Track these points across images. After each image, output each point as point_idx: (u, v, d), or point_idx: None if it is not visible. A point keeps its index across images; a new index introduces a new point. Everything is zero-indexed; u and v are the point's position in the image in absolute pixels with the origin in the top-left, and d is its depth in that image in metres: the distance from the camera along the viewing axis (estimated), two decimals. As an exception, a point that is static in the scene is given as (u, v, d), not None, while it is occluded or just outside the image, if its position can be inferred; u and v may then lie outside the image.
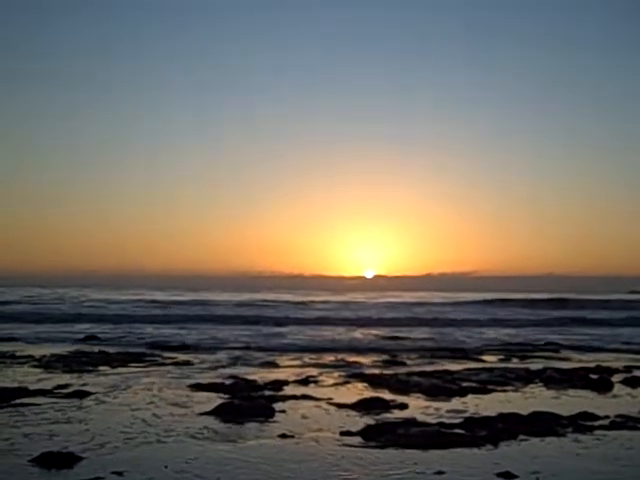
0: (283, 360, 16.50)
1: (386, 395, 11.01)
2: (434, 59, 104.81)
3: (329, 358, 16.94)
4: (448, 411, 9.77)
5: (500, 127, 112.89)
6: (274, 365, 15.58)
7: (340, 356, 17.43)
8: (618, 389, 12.44)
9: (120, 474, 6.24)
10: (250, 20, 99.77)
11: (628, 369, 15.16)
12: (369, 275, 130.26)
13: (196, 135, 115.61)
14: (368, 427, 8.29)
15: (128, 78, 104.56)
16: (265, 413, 9.33)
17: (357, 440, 7.80)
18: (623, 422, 9.02)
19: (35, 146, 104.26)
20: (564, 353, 19.47)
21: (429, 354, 18.33)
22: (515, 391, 12.00)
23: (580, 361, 17.13)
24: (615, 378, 13.56)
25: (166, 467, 6.58)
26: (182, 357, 16.65)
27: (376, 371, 14.30)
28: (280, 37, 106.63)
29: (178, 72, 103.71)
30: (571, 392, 11.98)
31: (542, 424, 8.67)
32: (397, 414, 9.52)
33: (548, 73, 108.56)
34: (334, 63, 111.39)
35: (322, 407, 10.07)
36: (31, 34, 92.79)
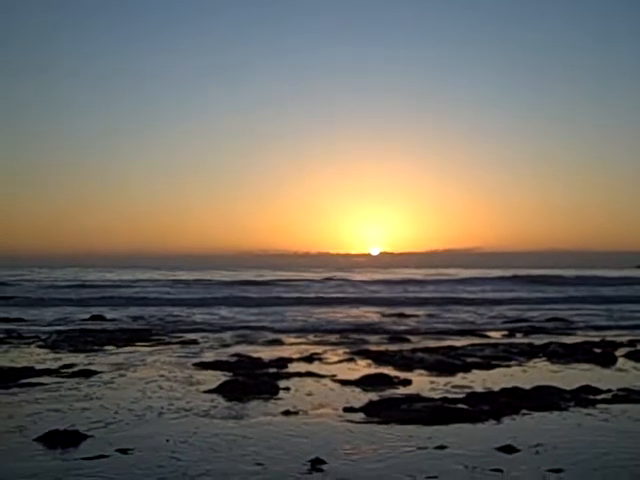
0: (288, 339, 16.56)
1: (390, 371, 11.07)
2: (442, 38, 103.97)
3: (334, 336, 16.98)
4: (451, 386, 9.82)
5: (504, 106, 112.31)
6: (279, 343, 15.65)
7: (344, 334, 17.48)
8: (622, 363, 12.47)
9: (125, 451, 6.30)
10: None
11: (632, 343, 15.19)
12: (375, 252, 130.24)
13: (204, 116, 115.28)
14: (371, 403, 8.33)
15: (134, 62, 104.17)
16: (269, 390, 9.39)
17: (360, 416, 7.85)
18: (625, 395, 9.05)
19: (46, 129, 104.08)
20: (569, 328, 19.51)
21: (434, 331, 18.41)
22: (519, 366, 12.05)
23: (585, 336, 17.16)
24: (619, 352, 13.58)
25: (168, 441, 6.68)
26: (188, 336, 16.72)
27: (380, 348, 14.34)
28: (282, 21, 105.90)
29: (184, 54, 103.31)
30: (574, 366, 12.02)
31: (544, 398, 8.70)
32: (401, 390, 9.57)
33: (552, 48, 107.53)
34: (342, 39, 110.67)
35: (326, 384, 10.13)
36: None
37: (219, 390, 9.39)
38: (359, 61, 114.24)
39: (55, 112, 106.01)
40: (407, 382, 10.19)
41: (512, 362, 12.38)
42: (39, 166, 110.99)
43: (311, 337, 16.88)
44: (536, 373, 11.24)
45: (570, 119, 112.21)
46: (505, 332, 18.25)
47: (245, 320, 21.75)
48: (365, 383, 10.01)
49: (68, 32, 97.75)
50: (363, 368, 11.66)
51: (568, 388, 9.34)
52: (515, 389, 9.16)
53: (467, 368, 11.51)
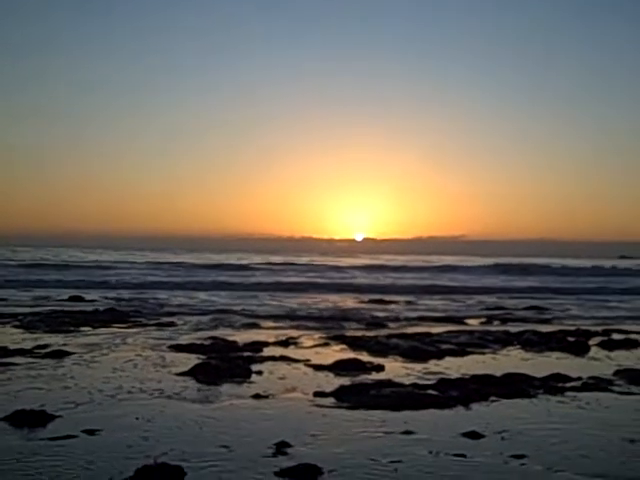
0: (265, 323, 16.57)
1: (364, 357, 11.12)
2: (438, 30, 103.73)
3: (311, 322, 17.00)
4: (424, 373, 9.88)
5: (491, 91, 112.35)
6: (256, 327, 15.67)
7: (322, 319, 17.52)
8: (594, 352, 12.59)
9: (92, 432, 6.30)
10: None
11: (606, 332, 15.32)
12: (359, 238, 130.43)
13: (193, 99, 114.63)
14: (342, 388, 8.37)
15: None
16: (241, 374, 9.41)
17: (330, 401, 7.89)
18: (595, 384, 9.15)
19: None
20: (546, 317, 19.66)
21: (411, 317, 18.50)
22: (492, 353, 12.14)
23: (560, 325, 17.30)
24: (592, 341, 13.71)
25: (137, 419, 6.80)
26: (166, 319, 16.69)
27: (357, 334, 14.39)
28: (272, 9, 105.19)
29: (182, 36, 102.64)
30: (547, 354, 12.13)
31: (514, 385, 8.77)
32: (373, 376, 9.61)
33: (540, 34, 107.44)
34: (331, 26, 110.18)
35: (299, 368, 10.16)
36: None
37: (191, 372, 9.40)
38: (350, 48, 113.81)
39: (50, 91, 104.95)
40: (380, 368, 10.23)
41: (486, 350, 12.46)
42: (29, 147, 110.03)
43: (288, 322, 16.88)
44: (508, 361, 11.33)
45: (560, 107, 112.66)
46: (482, 320, 18.36)
47: (224, 303, 21.75)
48: (338, 368, 10.05)
49: (66, 10, 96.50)
50: (338, 353, 11.70)
51: (539, 376, 9.43)
52: (486, 376, 9.24)
53: (441, 355, 11.57)
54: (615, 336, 14.64)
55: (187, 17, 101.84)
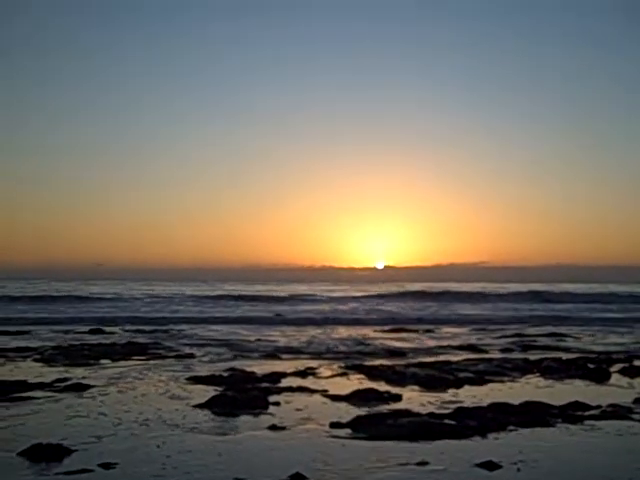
0: (285, 354, 16.55)
1: (381, 387, 11.08)
2: (441, 52, 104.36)
3: (331, 352, 16.97)
4: (441, 402, 9.83)
5: (505, 119, 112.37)
6: (275, 358, 15.66)
7: (341, 350, 17.50)
8: (615, 379, 12.46)
9: (108, 466, 6.34)
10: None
11: (628, 359, 15.16)
12: (380, 266, 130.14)
13: (211, 126, 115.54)
14: (358, 418, 8.35)
15: (139, 72, 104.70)
16: (259, 405, 9.42)
17: (346, 431, 7.88)
18: (614, 412, 9.06)
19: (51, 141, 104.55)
20: (566, 344, 19.49)
21: (430, 346, 18.44)
22: (511, 381, 12.05)
23: (581, 352, 17.13)
24: (614, 368, 13.57)
25: (155, 451, 6.81)
26: (184, 350, 16.74)
27: (375, 363, 14.34)
28: (282, 31, 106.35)
29: (191, 67, 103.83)
30: (567, 382, 12.03)
31: (532, 414, 8.71)
32: (390, 406, 9.58)
33: (561, 65, 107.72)
34: (339, 58, 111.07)
35: (316, 399, 10.16)
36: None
37: (208, 404, 9.43)
38: (369, 75, 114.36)
39: (57, 122, 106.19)
40: (397, 397, 10.19)
41: (505, 378, 12.37)
42: (38, 176, 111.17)
43: (307, 352, 16.84)
44: (527, 389, 11.24)
45: (576, 132, 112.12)
46: (502, 347, 18.21)
47: (243, 335, 21.77)
48: (355, 398, 10.03)
49: (73, 43, 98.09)
50: (355, 383, 11.66)
51: (557, 404, 9.35)
52: (503, 404, 9.18)
53: (459, 383, 11.52)
54: (637, 362, 14.48)
55: (206, 42, 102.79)
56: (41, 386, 10.93)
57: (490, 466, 6.38)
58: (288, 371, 12.93)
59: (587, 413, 8.95)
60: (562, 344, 19.50)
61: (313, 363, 14.39)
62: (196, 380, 11.77)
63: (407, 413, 8.67)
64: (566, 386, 11.61)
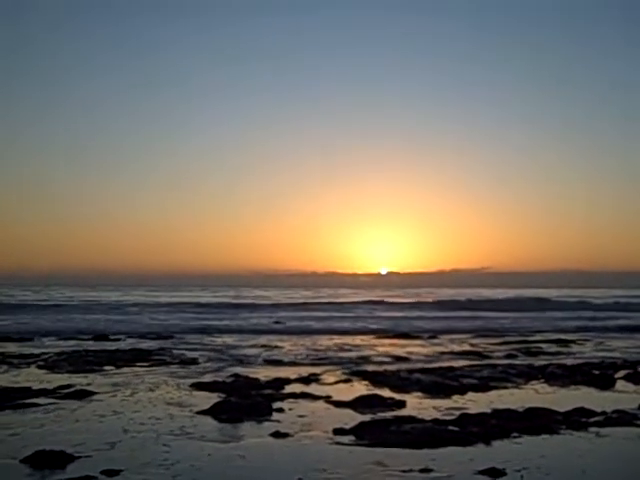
0: (288, 360, 16.53)
1: (385, 393, 11.05)
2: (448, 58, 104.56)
3: (334, 359, 16.94)
4: (445, 408, 9.80)
5: (512, 125, 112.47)
6: (279, 364, 15.64)
7: (344, 356, 17.46)
8: (620, 385, 12.43)
9: (111, 473, 6.32)
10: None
11: (633, 365, 15.10)
12: (383, 272, 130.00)
13: (215, 132, 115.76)
14: (361, 424, 8.33)
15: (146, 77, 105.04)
16: (262, 411, 9.39)
17: (349, 438, 7.85)
18: (618, 418, 9.02)
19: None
20: (571, 350, 19.44)
21: (433, 352, 18.39)
22: (515, 387, 12.01)
23: (586, 358, 17.07)
24: (618, 374, 13.52)
25: (157, 458, 6.72)
26: (188, 357, 16.72)
27: (378, 369, 14.31)
28: (288, 37, 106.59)
29: (199, 71, 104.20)
30: (572, 388, 11.99)
31: (536, 420, 8.68)
32: (393, 412, 9.54)
33: (559, 69, 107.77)
34: (346, 61, 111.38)
35: (320, 405, 10.14)
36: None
37: (212, 411, 9.40)
38: (372, 83, 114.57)
39: (61, 126, 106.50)
40: (401, 404, 10.16)
41: (509, 384, 12.33)
42: (45, 183, 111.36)
43: (310, 359, 16.82)
44: (532, 395, 11.21)
45: (581, 136, 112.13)
46: (506, 353, 18.16)
47: (247, 341, 21.76)
48: (358, 404, 10.01)
49: (73, 46, 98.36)
50: (359, 389, 11.63)
51: (562, 410, 9.31)
52: (507, 411, 9.16)
53: (463, 390, 11.48)
54: (641, 369, 14.43)
55: (206, 46, 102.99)
56: (45, 393, 10.92)
57: (494, 473, 6.35)
58: (291, 377, 12.90)
59: (592, 419, 8.91)
60: (566, 350, 19.46)
61: (317, 369, 14.35)
62: (200, 386, 11.75)
63: (411, 419, 8.65)
64: (570, 392, 11.57)
